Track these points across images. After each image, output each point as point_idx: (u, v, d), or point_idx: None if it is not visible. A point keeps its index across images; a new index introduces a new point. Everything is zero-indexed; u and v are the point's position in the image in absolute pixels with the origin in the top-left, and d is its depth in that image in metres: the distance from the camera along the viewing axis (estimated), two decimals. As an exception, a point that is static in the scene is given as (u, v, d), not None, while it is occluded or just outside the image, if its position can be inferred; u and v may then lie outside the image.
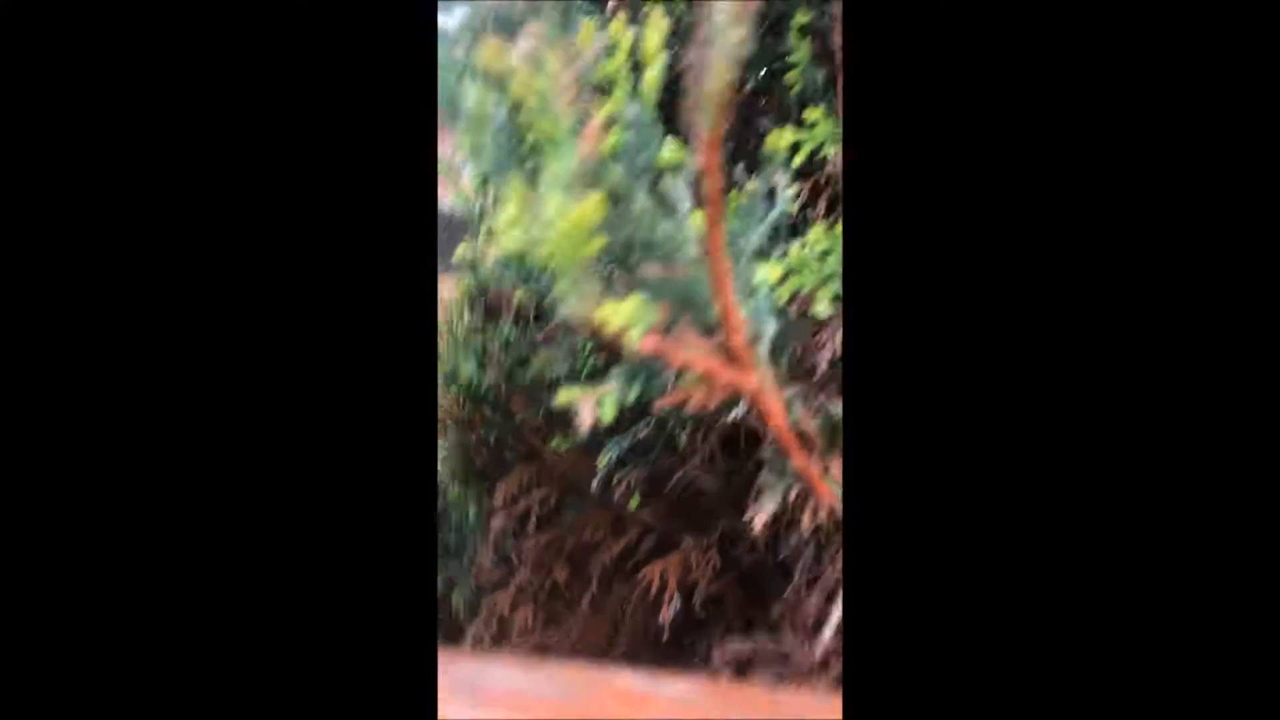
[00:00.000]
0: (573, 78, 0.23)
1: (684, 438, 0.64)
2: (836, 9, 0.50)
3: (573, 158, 0.23)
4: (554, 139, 0.24)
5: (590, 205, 0.19)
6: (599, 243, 0.20)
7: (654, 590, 0.67)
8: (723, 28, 0.22)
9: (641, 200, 0.28)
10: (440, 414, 0.92)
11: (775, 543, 0.60)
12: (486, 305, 0.83)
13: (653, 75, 0.27)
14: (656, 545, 0.76)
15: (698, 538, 0.71)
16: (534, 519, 0.90)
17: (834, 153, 0.48)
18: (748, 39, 0.22)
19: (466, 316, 0.99)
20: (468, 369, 0.70)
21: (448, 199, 0.71)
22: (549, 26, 0.24)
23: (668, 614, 0.65)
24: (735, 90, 0.23)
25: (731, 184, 0.33)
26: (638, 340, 0.23)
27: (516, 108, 0.25)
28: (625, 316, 0.21)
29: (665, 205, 0.28)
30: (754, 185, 0.33)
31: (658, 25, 0.27)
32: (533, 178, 0.28)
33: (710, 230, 0.24)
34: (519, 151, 0.29)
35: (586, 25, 0.25)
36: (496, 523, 0.91)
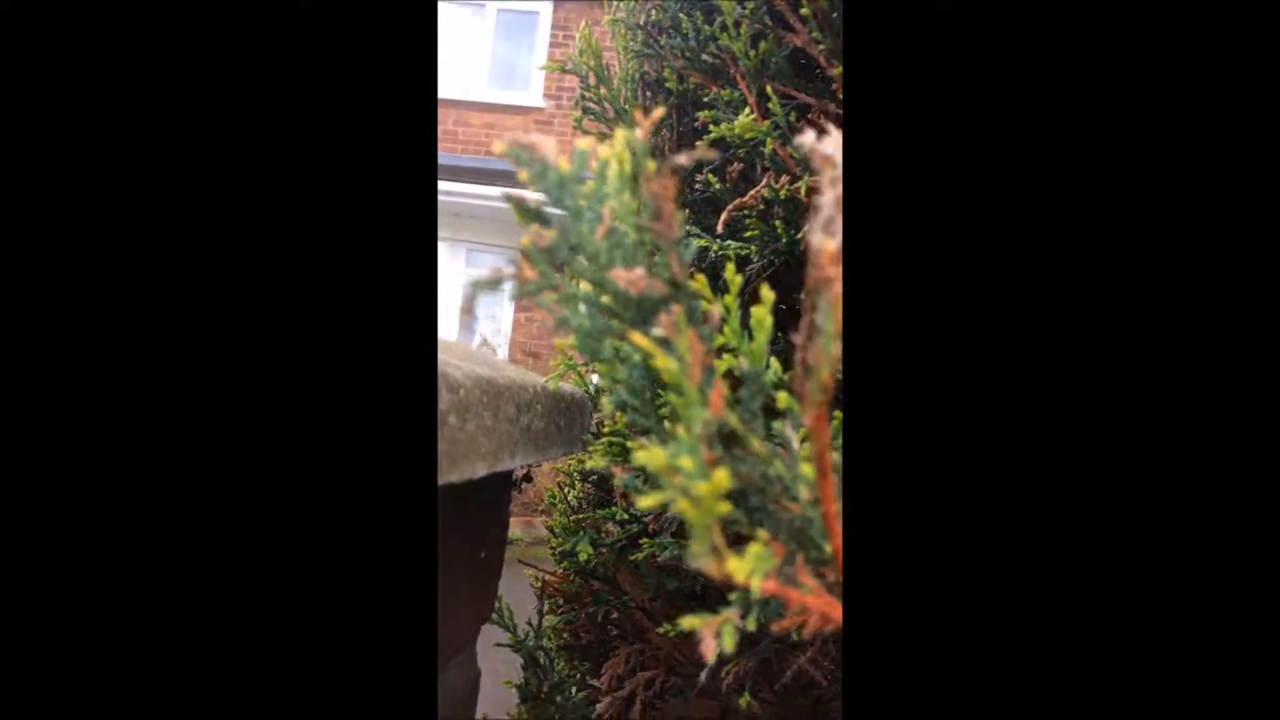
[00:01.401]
0: (699, 360, 0.28)
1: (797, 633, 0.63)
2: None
3: (700, 421, 0.27)
4: (683, 406, 0.28)
5: (722, 475, 0.23)
6: (727, 507, 0.24)
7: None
8: (826, 316, 0.26)
9: (756, 443, 0.31)
10: (549, 589, 0.94)
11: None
12: (601, 484, 0.88)
13: (761, 339, 0.32)
14: (767, 745, 0.72)
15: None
16: (639, 704, 0.88)
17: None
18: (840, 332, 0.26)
19: (580, 490, 1.03)
20: (586, 550, 0.73)
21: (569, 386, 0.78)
22: (679, 316, 0.29)
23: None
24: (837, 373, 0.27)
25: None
26: (758, 586, 0.25)
27: (649, 373, 0.30)
28: (749, 566, 0.24)
29: (778, 447, 0.32)
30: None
31: (766, 299, 0.32)
32: (661, 418, 0.33)
33: (820, 481, 0.28)
34: (651, 395, 0.33)
35: (714, 307, 0.30)
36: (601, 706, 0.89)
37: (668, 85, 0.87)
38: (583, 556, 0.76)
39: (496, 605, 0.93)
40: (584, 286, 0.30)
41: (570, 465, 0.97)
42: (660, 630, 0.75)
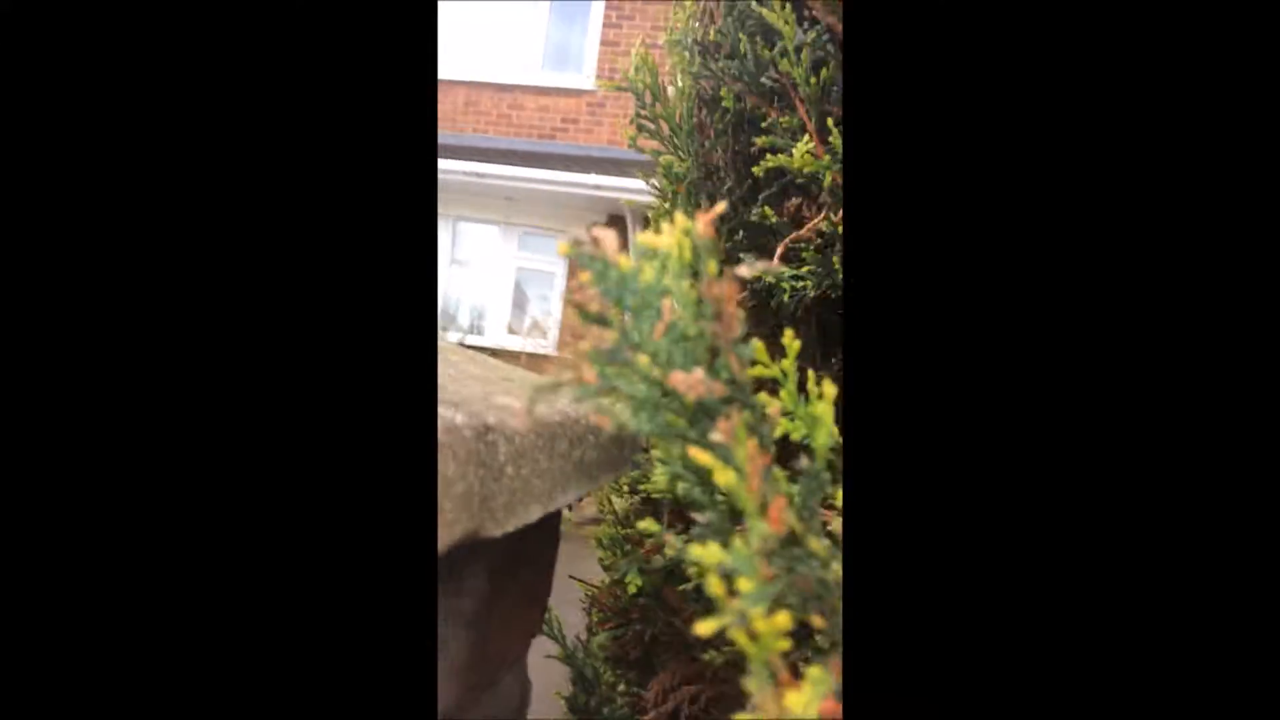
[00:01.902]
0: (758, 470, 0.28)
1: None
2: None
3: (759, 535, 0.27)
4: (744, 513, 0.28)
5: (783, 617, 0.23)
6: (786, 644, 0.24)
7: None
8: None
9: (813, 541, 0.31)
10: (598, 603, 0.96)
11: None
12: (649, 501, 0.89)
13: (823, 440, 0.31)
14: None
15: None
16: (684, 718, 0.89)
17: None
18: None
19: (628, 503, 1.04)
20: (635, 582, 0.74)
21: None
22: (740, 425, 0.29)
23: None
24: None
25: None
26: (815, 709, 0.26)
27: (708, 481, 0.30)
28: (806, 697, 0.24)
29: (836, 548, 0.31)
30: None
31: (829, 395, 0.32)
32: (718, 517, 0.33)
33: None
34: (709, 487, 0.33)
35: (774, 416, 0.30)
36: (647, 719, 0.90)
37: (724, 104, 0.86)
38: (632, 589, 0.77)
39: (546, 616, 0.95)
40: (644, 389, 0.30)
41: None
42: (706, 657, 0.75)
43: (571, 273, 6.69)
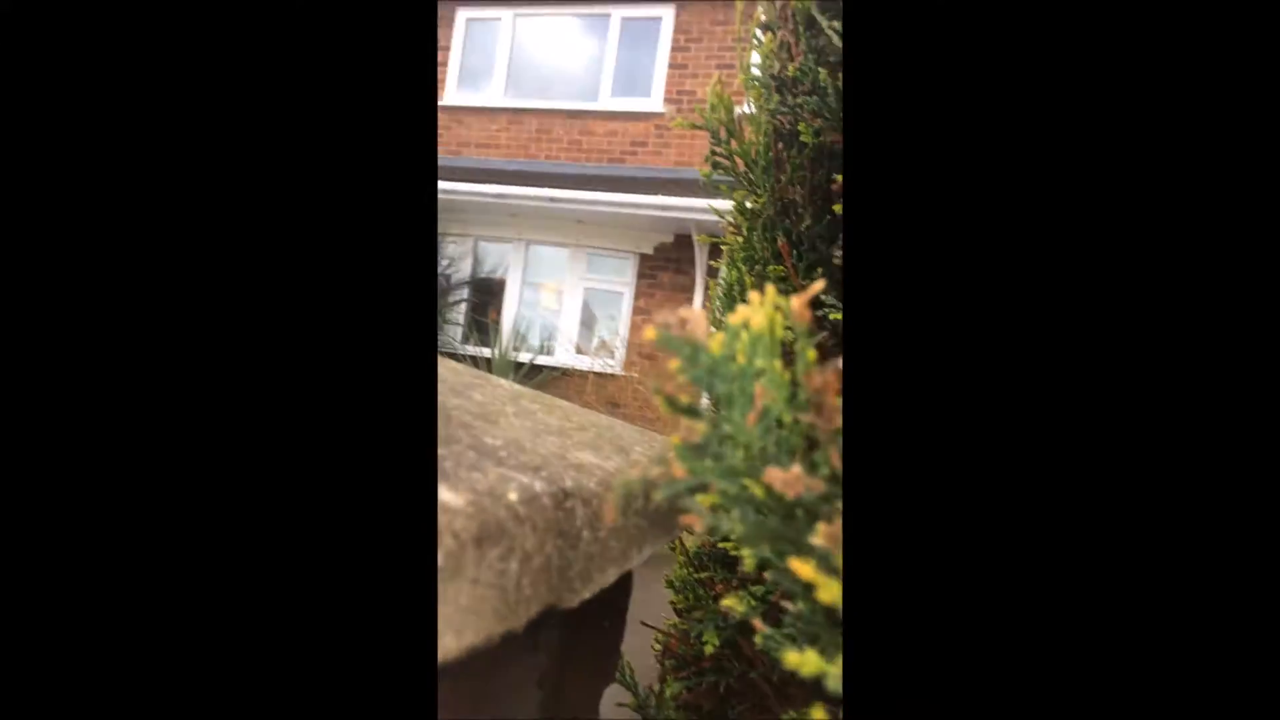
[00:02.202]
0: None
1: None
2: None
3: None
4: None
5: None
6: None
7: None
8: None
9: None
10: (670, 650, 0.93)
11: None
12: (722, 560, 0.86)
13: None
14: None
15: None
16: (761, 778, 0.85)
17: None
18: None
19: (701, 543, 1.01)
20: (712, 641, 0.72)
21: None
22: (841, 528, 0.26)
23: None
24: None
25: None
26: None
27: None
28: None
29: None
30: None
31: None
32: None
33: None
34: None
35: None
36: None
37: (803, 139, 0.84)
38: (709, 649, 0.74)
39: (619, 663, 0.93)
40: (736, 486, 0.28)
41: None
42: (785, 718, 0.72)
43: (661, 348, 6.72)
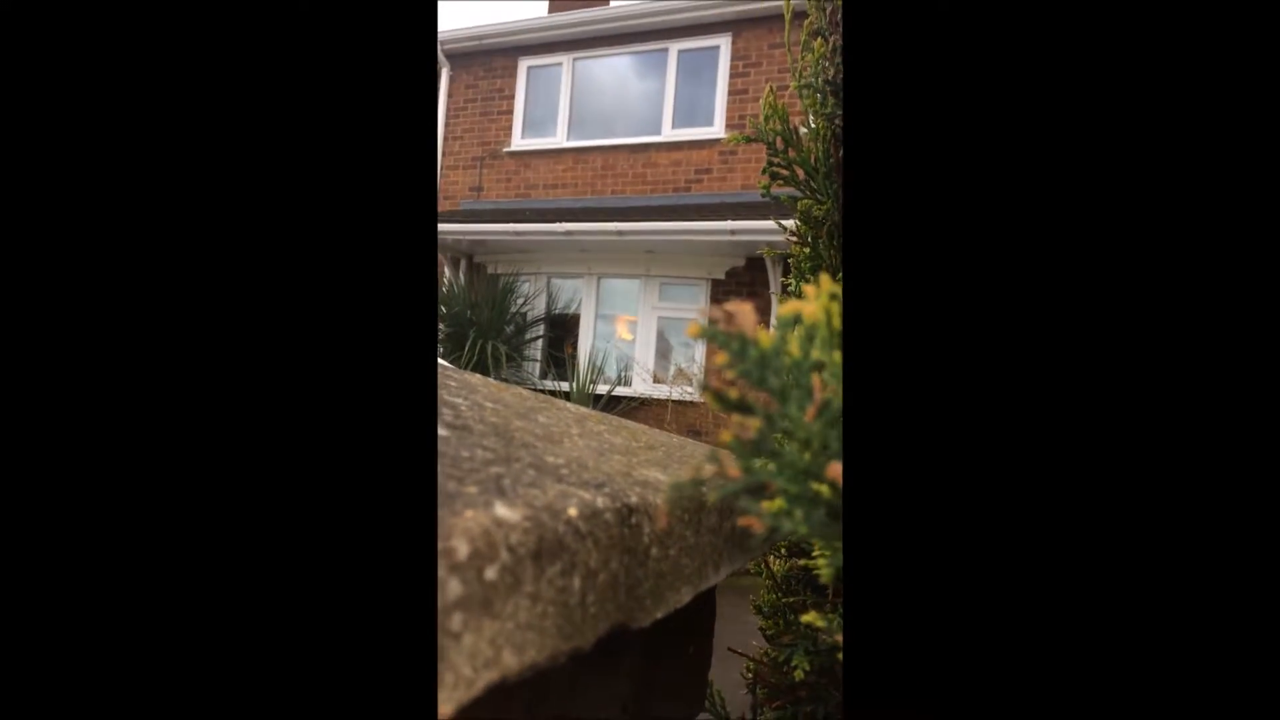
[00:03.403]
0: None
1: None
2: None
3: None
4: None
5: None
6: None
7: None
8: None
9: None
10: (761, 678, 0.89)
11: None
12: (808, 578, 0.83)
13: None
14: None
15: None
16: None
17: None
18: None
19: (787, 566, 0.98)
20: (803, 667, 0.68)
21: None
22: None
23: None
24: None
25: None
26: None
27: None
28: None
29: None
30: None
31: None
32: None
33: None
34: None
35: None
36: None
37: (863, 140, 0.81)
38: (798, 675, 0.70)
39: (708, 690, 0.90)
40: (796, 484, 0.26)
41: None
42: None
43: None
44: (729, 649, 0.95)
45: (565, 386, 6.61)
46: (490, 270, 7.62)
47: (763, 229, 5.73)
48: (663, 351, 7.14)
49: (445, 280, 7.51)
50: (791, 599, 0.89)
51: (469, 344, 6.61)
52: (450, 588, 0.28)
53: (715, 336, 0.27)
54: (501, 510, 0.33)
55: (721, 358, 0.27)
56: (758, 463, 0.27)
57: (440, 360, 4.62)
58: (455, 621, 0.29)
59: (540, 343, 7.46)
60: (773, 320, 6.05)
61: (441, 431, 0.44)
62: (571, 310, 7.51)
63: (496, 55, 8.08)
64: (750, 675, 0.90)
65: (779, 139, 0.85)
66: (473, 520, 0.31)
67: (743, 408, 0.27)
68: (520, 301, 7.35)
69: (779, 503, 0.27)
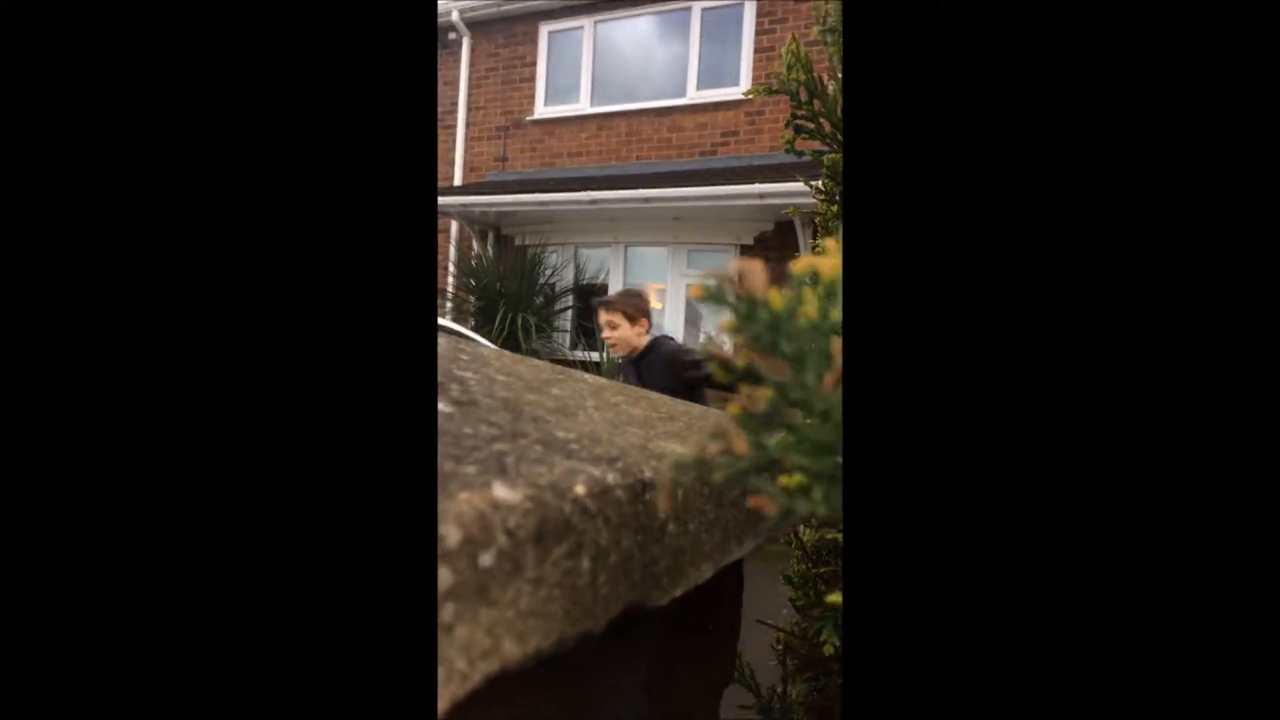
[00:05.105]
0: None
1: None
2: None
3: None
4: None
5: None
6: None
7: None
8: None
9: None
10: (792, 650, 0.88)
11: None
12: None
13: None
14: None
15: None
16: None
17: None
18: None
19: (818, 535, 0.95)
20: (833, 642, 0.66)
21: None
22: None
23: None
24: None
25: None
26: None
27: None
28: None
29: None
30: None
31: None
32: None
33: None
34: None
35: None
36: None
37: (892, 88, 0.76)
38: (828, 650, 0.68)
39: (737, 664, 0.89)
40: (813, 459, 0.24)
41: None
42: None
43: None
44: (757, 620, 0.93)
45: (595, 357, 6.61)
46: (518, 242, 7.60)
47: (792, 190, 5.60)
48: (691, 319, 7.08)
49: (474, 253, 7.52)
50: (822, 569, 0.87)
51: (499, 316, 6.64)
52: (440, 577, 0.26)
53: (718, 297, 0.25)
54: (500, 491, 0.31)
55: (726, 321, 0.24)
56: (770, 437, 0.24)
57: (467, 332, 4.64)
58: (447, 613, 0.27)
59: (569, 314, 7.46)
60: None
61: (445, 408, 0.42)
62: (600, 280, 7.47)
63: (517, 21, 7.95)
64: (780, 647, 0.89)
65: (803, 89, 0.80)
66: (466, 503, 0.29)
67: (751, 376, 0.24)
68: (549, 272, 7.33)
69: (797, 479, 0.24)
